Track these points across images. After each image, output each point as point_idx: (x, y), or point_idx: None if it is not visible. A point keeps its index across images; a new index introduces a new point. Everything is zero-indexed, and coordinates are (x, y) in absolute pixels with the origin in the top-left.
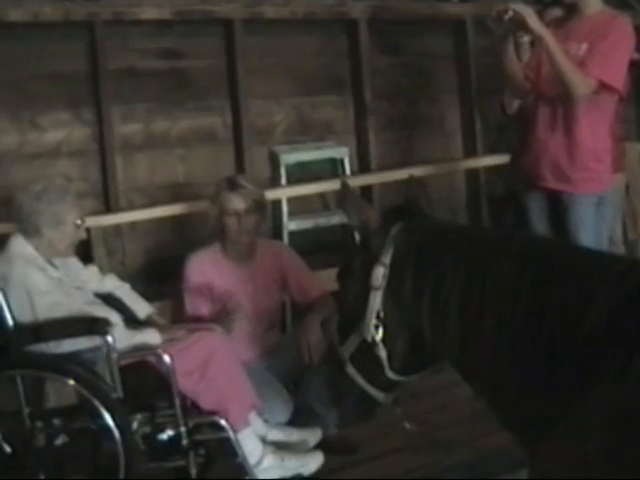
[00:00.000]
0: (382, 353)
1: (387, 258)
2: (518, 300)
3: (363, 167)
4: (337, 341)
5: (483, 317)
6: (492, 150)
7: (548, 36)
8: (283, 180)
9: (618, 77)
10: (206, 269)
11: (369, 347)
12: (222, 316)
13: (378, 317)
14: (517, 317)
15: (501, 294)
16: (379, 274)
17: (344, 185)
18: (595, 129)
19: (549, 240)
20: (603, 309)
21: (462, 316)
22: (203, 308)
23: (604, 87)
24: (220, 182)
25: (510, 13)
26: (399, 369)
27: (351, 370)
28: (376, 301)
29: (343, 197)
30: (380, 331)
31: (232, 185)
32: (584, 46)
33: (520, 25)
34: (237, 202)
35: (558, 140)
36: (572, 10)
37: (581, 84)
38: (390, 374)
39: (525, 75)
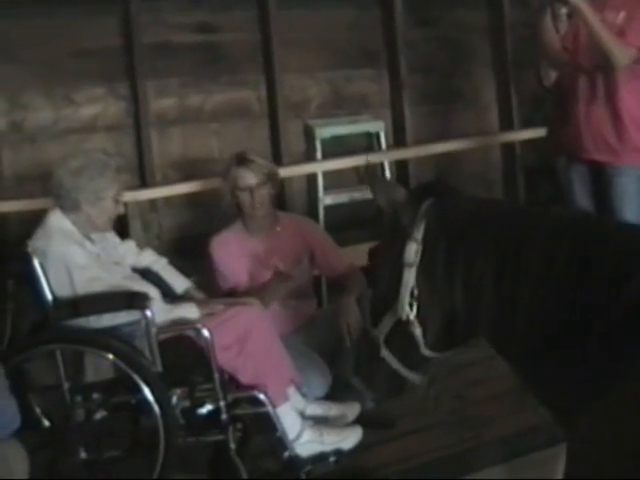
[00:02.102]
0: (417, 331)
1: (419, 234)
2: (552, 276)
3: (398, 141)
4: (370, 324)
5: (517, 293)
6: (528, 123)
7: (585, 6)
8: (318, 154)
9: None
10: (230, 248)
11: (404, 326)
12: (263, 288)
13: (412, 295)
14: (552, 293)
15: (535, 270)
16: (412, 250)
17: (368, 165)
18: (637, 99)
19: (583, 215)
20: (638, 285)
21: (496, 292)
22: (239, 279)
23: None
24: (229, 159)
25: None
26: (433, 346)
27: (386, 353)
28: (410, 278)
29: (369, 176)
30: (414, 309)
31: (241, 160)
32: (622, 14)
33: None
34: (248, 177)
35: (600, 111)
36: None
37: (621, 54)
38: (425, 351)
39: (563, 46)
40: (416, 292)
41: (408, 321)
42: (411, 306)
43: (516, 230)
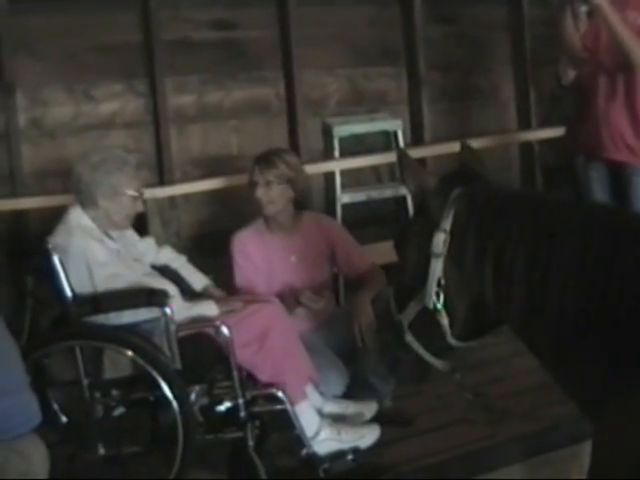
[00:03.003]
0: (444, 320)
1: (447, 224)
2: (584, 267)
3: (416, 139)
4: (395, 309)
5: (549, 284)
6: (546, 121)
7: (606, 5)
8: (336, 152)
9: None
10: (250, 244)
11: (429, 315)
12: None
13: (439, 284)
14: (583, 285)
15: (567, 261)
16: (440, 240)
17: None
18: None
19: (613, 208)
20: None
21: (527, 283)
22: (254, 282)
23: None
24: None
25: None
26: (460, 335)
27: (410, 338)
28: (437, 268)
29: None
30: (441, 298)
31: (258, 158)
32: None
33: None
34: (256, 174)
35: (619, 110)
36: None
37: None
38: (452, 341)
39: (583, 45)
40: (443, 282)
41: (435, 309)
42: (438, 295)
43: (547, 219)
